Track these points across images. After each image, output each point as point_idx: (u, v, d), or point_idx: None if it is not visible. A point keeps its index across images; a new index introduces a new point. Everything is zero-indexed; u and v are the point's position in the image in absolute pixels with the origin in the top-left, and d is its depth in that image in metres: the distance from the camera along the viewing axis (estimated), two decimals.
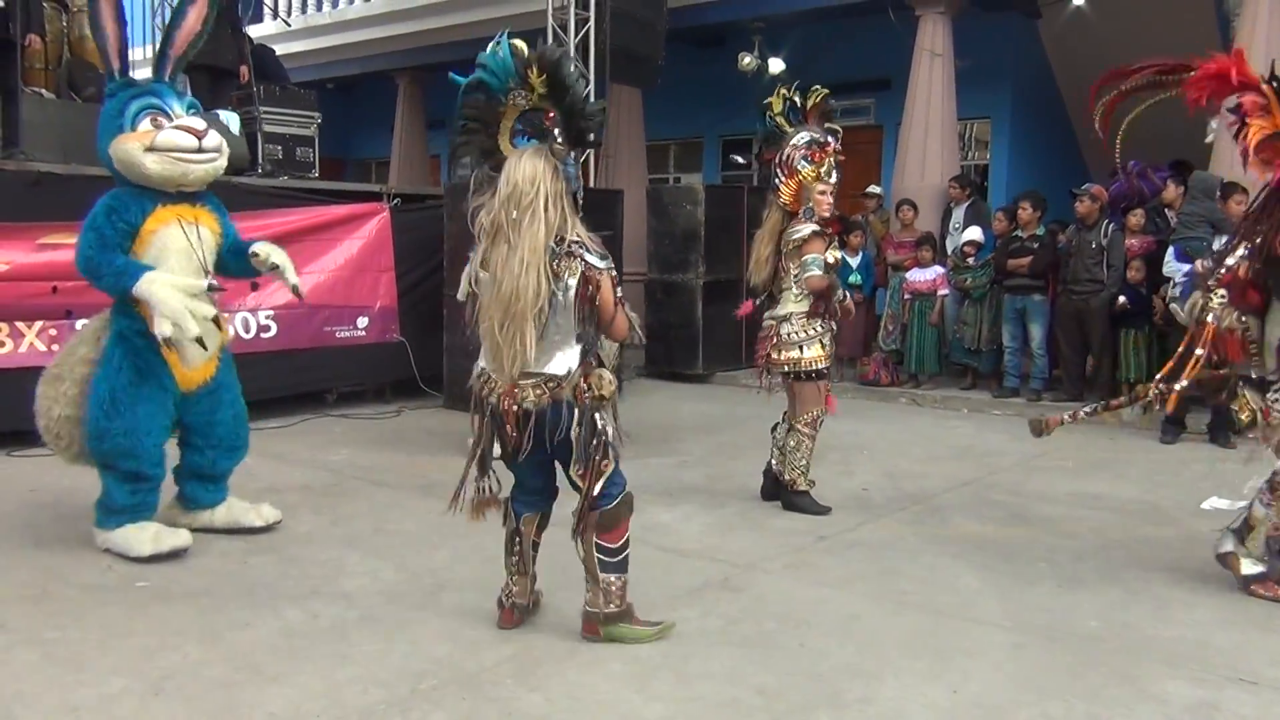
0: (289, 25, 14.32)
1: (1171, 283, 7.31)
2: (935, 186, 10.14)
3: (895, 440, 5.47)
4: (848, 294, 5.41)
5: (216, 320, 4.43)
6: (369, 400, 8.38)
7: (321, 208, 7.96)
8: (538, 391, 3.36)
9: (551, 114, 3.40)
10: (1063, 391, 8.45)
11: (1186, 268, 7.19)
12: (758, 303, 5.47)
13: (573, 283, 3.31)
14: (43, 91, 8.09)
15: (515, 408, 3.36)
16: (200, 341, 4.30)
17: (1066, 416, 4.61)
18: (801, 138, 5.23)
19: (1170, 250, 7.43)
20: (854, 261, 9.70)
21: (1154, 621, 3.92)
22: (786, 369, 5.24)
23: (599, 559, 3.51)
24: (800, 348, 5.19)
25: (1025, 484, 6.12)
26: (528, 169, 3.28)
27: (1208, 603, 4.11)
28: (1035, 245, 8.40)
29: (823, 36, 11.97)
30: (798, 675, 3.37)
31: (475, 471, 3.58)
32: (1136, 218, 8.14)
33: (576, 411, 3.38)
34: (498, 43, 3.43)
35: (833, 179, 5.21)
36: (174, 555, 4.34)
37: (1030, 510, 5.51)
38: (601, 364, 3.51)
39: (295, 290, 4.65)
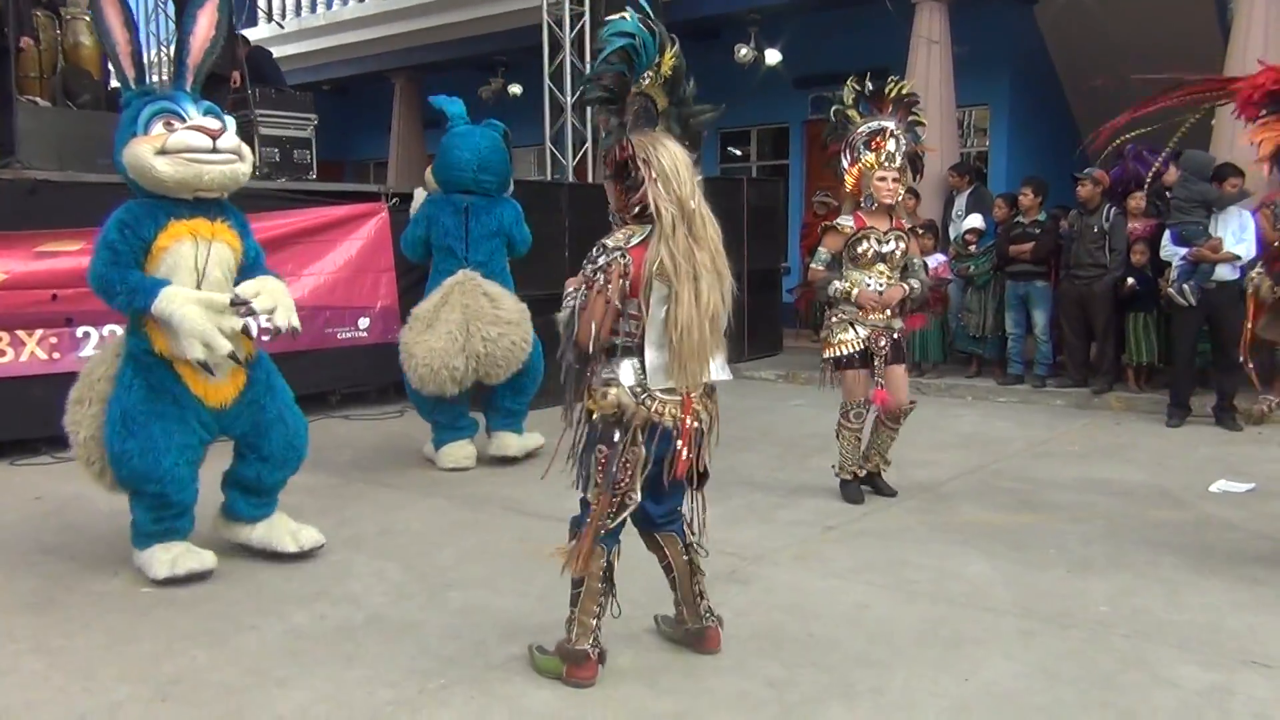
0: (282, 28, 14.30)
1: (1171, 266, 7.27)
2: (935, 175, 10.08)
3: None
4: (848, 290, 5.20)
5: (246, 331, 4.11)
6: (372, 401, 8.36)
7: (320, 209, 7.94)
8: (707, 403, 3.17)
9: (655, 103, 3.13)
10: (1067, 377, 8.43)
11: (1183, 251, 7.16)
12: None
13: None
14: (37, 99, 8.08)
15: (695, 424, 3.12)
16: (234, 357, 4.08)
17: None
18: (866, 126, 5.18)
19: (1167, 234, 7.40)
20: None
21: (1165, 606, 3.90)
22: (823, 359, 5.35)
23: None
24: (826, 337, 5.29)
25: (1032, 470, 6.09)
26: (687, 155, 3.01)
27: (1219, 586, 4.09)
28: (1037, 231, 8.37)
29: (819, 26, 11.93)
30: (808, 666, 3.35)
31: (610, 515, 3.13)
32: (1137, 200, 8.11)
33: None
34: (640, 15, 3.07)
35: (893, 165, 5.12)
36: (191, 579, 4.14)
37: (1038, 496, 5.48)
38: None
39: (292, 330, 4.18)
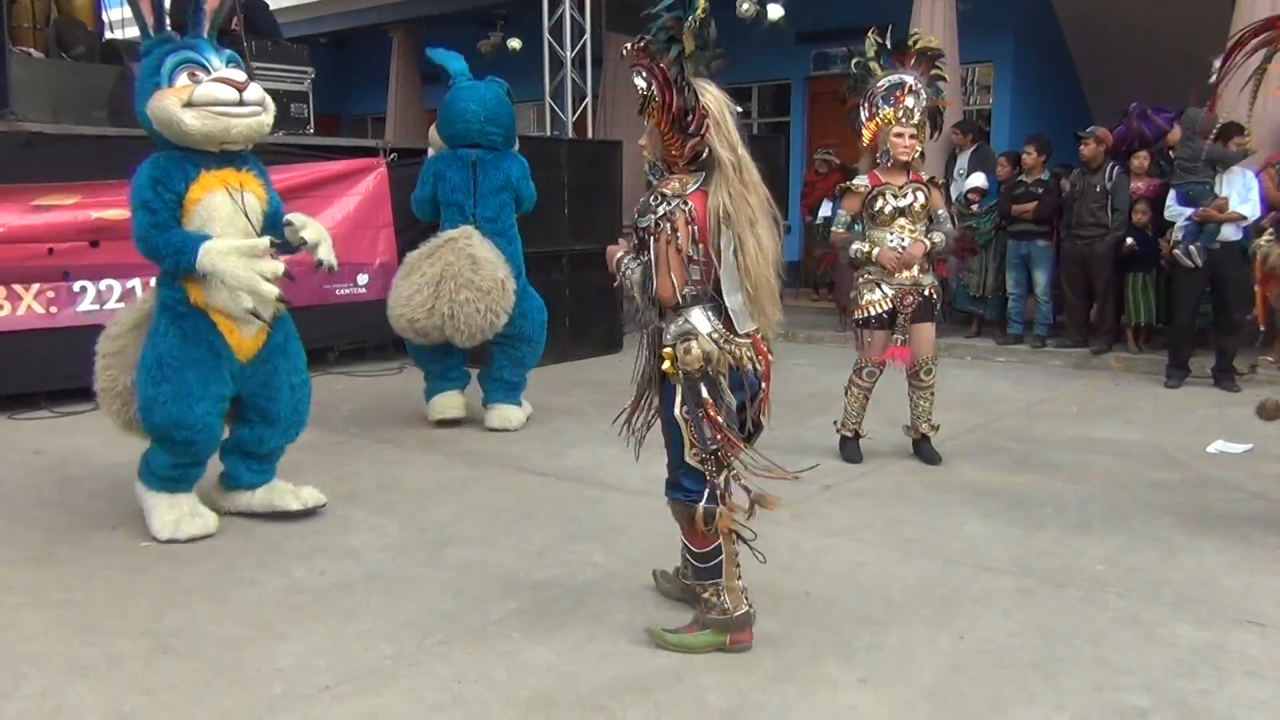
0: None
1: (1175, 226, 7.23)
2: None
3: (900, 390, 5.46)
4: (868, 251, 5.14)
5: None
6: (370, 358, 8.36)
7: (318, 164, 7.88)
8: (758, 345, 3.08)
9: (686, 49, 3.05)
10: (1067, 337, 8.42)
11: (1189, 211, 7.12)
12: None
13: None
14: (31, 51, 7.99)
15: (770, 358, 3.06)
16: (256, 314, 4.06)
17: None
18: (886, 80, 5.08)
19: (1171, 194, 7.35)
20: None
21: (1160, 565, 3.92)
22: (850, 319, 5.37)
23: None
24: (853, 297, 5.28)
25: (1031, 430, 6.10)
26: (726, 99, 2.97)
27: (1214, 545, 4.11)
28: (1040, 190, 8.32)
29: None
30: (804, 624, 3.37)
31: (744, 463, 3.07)
32: (1140, 159, 8.05)
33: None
34: None
35: (911, 121, 5.04)
36: (191, 541, 4.12)
37: (1036, 456, 5.49)
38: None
39: (329, 267, 4.24)
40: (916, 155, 5.14)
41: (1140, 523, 4.39)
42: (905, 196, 5.11)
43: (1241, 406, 6.67)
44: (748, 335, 3.04)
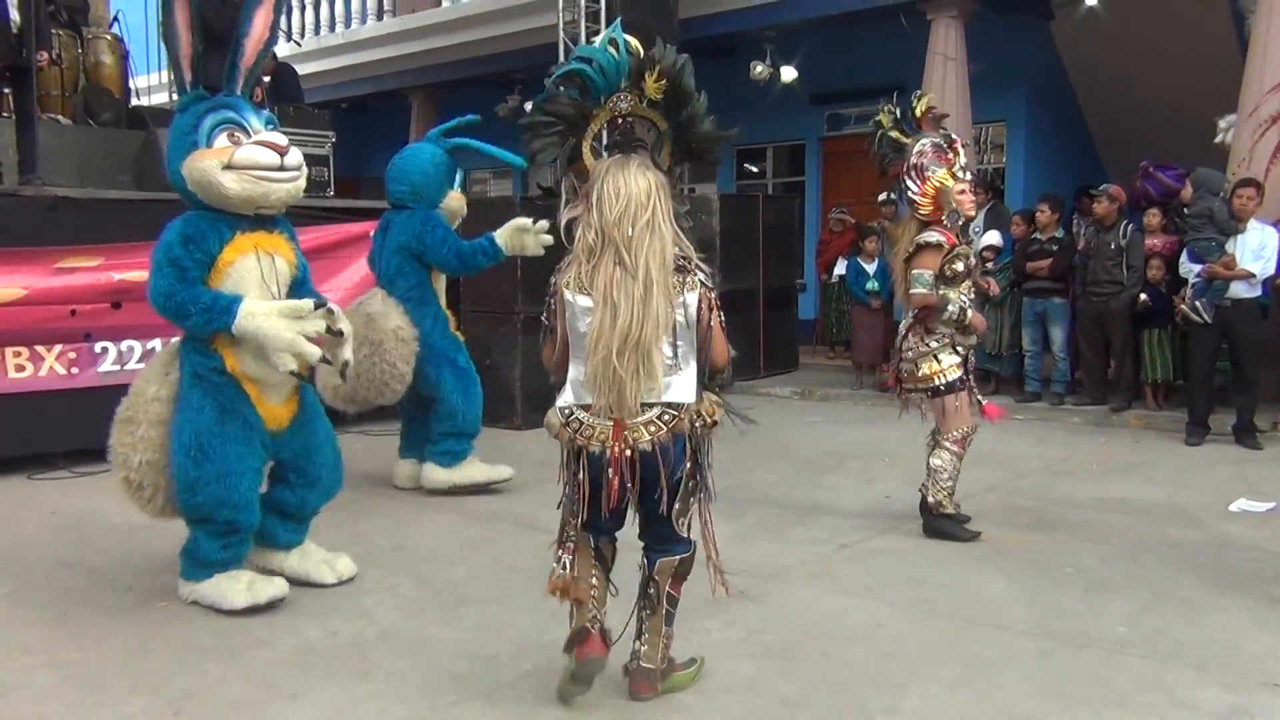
0: (300, 46, 14.42)
1: (1189, 283, 7.23)
2: None
3: (917, 447, 5.42)
4: (966, 309, 4.94)
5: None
6: (388, 416, 8.34)
7: (337, 226, 7.98)
8: (654, 428, 3.00)
9: (655, 126, 3.12)
10: (1085, 394, 8.38)
11: (1199, 268, 7.12)
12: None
13: (691, 299, 3.02)
14: (59, 118, 8.17)
15: (629, 451, 2.99)
16: (296, 375, 3.92)
17: None
18: (925, 143, 4.98)
19: (1185, 251, 7.38)
20: (870, 268, 9.67)
21: (1184, 626, 3.85)
22: (915, 387, 4.99)
23: (667, 610, 3.19)
24: (915, 364, 4.95)
25: (1050, 489, 6.05)
26: (642, 182, 2.94)
27: (1238, 606, 4.04)
28: (1054, 247, 8.34)
29: (835, 43, 11.95)
30: (821, 686, 3.33)
31: (569, 537, 3.17)
32: (1155, 217, 8.07)
33: (690, 445, 3.08)
34: (611, 38, 3.03)
35: (968, 176, 4.98)
36: (271, 607, 3.97)
37: (1056, 515, 5.44)
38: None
39: (342, 369, 4.12)
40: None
41: (1162, 582, 4.33)
42: (969, 257, 5.02)
43: (1263, 464, 6.61)
44: (610, 418, 3.02)
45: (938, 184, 4.89)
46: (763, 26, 11.88)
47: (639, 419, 3.00)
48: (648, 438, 2.99)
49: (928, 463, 5.05)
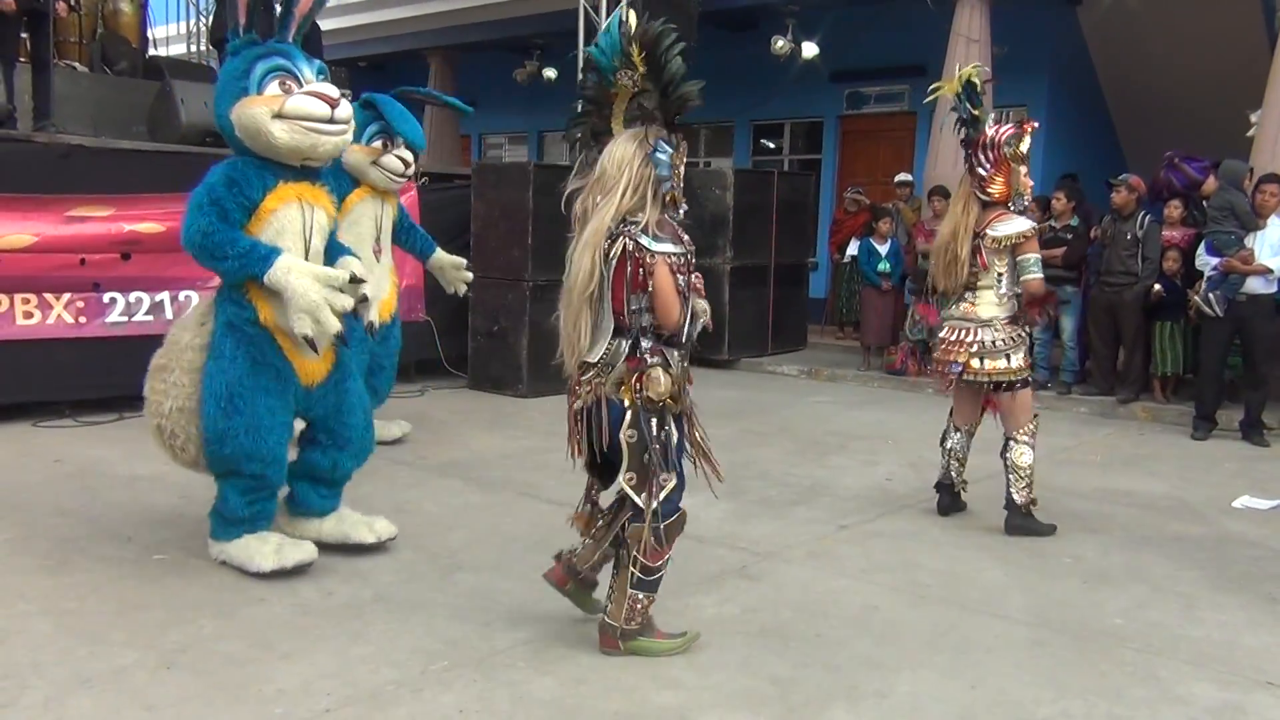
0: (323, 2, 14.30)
1: (1204, 275, 7.17)
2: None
3: (921, 431, 5.39)
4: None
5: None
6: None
7: None
8: (585, 389, 3.19)
9: (654, 95, 3.20)
10: (1093, 385, 8.34)
11: (1215, 260, 7.05)
12: (931, 302, 5.09)
13: (616, 251, 3.10)
14: (75, 64, 8.15)
15: (575, 404, 3.23)
16: (339, 337, 3.82)
17: None
18: (1007, 126, 4.77)
19: (1202, 243, 7.30)
20: (882, 249, 9.61)
21: (1181, 621, 3.84)
22: (993, 379, 4.81)
23: (633, 574, 3.25)
24: (1008, 356, 4.76)
25: (1052, 478, 6.01)
26: (618, 153, 3.11)
27: (1236, 603, 4.03)
28: (1069, 235, 8.27)
29: (858, 21, 11.83)
30: (813, 666, 3.33)
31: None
32: (1175, 209, 7.99)
33: (629, 413, 3.14)
34: (612, 18, 3.21)
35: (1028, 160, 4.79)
36: (298, 571, 3.91)
37: (1057, 505, 5.41)
38: (666, 363, 3.20)
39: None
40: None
41: (1161, 576, 4.32)
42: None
43: (1269, 462, 6.58)
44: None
45: (1011, 164, 4.71)
46: (786, 1, 11.76)
47: (582, 377, 3.21)
48: (582, 395, 3.21)
49: (1008, 461, 4.88)
